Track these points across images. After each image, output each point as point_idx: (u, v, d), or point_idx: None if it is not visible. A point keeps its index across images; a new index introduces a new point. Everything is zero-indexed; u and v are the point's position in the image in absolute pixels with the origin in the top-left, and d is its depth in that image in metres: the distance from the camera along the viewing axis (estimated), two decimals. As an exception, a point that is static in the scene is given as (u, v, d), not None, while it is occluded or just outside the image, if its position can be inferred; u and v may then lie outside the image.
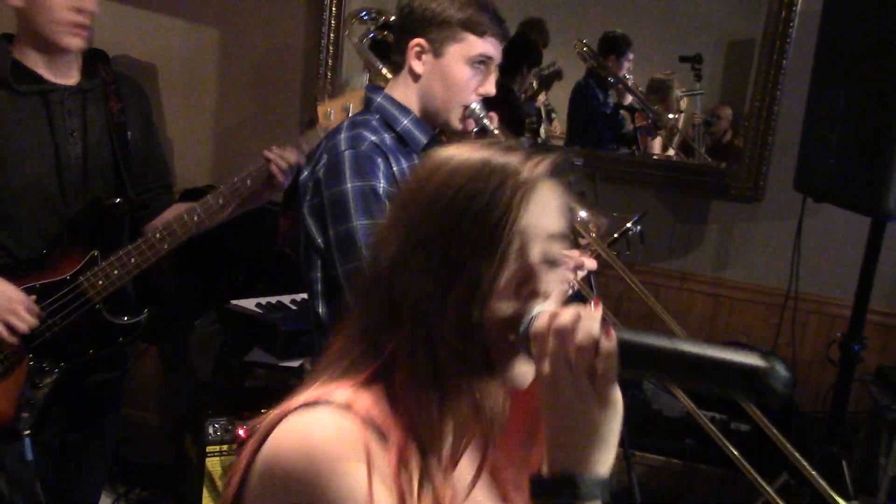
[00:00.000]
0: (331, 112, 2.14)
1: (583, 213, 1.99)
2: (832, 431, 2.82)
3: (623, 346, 0.88)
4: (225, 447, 2.78)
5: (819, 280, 3.25)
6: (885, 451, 2.81)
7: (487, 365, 0.98)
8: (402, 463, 0.95)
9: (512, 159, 0.99)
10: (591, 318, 0.90)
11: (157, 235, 2.22)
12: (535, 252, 0.98)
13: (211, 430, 2.77)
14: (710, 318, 3.42)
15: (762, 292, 3.35)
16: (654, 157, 3.75)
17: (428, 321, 0.96)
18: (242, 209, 2.33)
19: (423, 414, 0.96)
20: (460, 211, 0.96)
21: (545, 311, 0.95)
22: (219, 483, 2.76)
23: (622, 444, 2.64)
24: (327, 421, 0.94)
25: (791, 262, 3.06)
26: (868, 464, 2.95)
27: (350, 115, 2.07)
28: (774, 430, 1.64)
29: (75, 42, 2.22)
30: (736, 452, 1.71)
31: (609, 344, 0.88)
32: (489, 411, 1.00)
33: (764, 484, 1.69)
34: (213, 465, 2.78)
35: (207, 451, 2.77)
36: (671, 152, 3.75)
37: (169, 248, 2.23)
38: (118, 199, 2.32)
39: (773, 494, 1.69)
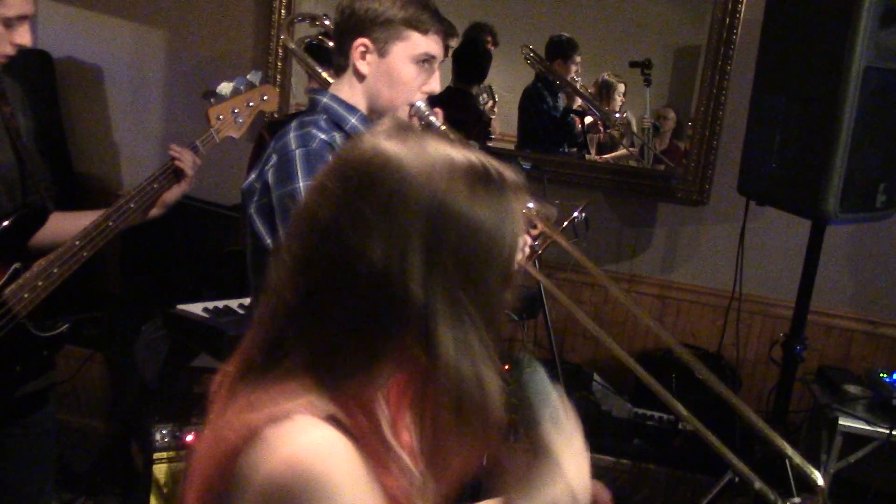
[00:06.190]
0: (220, 115, 2.25)
1: (530, 204, 2.01)
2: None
3: None
4: (172, 453, 2.74)
5: (762, 282, 3.31)
6: (826, 448, 2.88)
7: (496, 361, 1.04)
8: (382, 465, 1.00)
9: (503, 181, 1.02)
10: None
11: (78, 243, 2.12)
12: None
13: (158, 437, 2.74)
14: (658, 320, 3.46)
15: (708, 294, 3.40)
16: (603, 159, 3.79)
17: (455, 334, 0.98)
18: (161, 209, 2.25)
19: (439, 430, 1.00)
20: (483, 244, 0.99)
21: None
22: (165, 490, 2.73)
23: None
24: (313, 436, 0.94)
25: (735, 264, 3.12)
26: (810, 461, 3.01)
27: (237, 117, 2.27)
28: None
29: None
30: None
31: None
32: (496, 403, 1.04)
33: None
34: (160, 471, 2.74)
35: (154, 457, 2.73)
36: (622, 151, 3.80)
37: (88, 255, 2.14)
38: (38, 209, 2.21)
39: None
